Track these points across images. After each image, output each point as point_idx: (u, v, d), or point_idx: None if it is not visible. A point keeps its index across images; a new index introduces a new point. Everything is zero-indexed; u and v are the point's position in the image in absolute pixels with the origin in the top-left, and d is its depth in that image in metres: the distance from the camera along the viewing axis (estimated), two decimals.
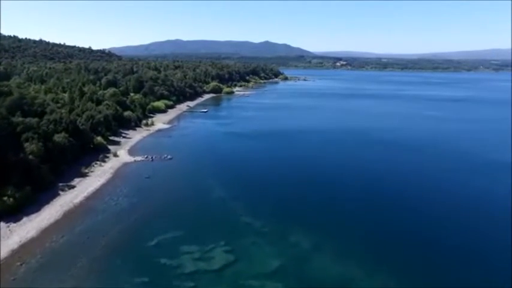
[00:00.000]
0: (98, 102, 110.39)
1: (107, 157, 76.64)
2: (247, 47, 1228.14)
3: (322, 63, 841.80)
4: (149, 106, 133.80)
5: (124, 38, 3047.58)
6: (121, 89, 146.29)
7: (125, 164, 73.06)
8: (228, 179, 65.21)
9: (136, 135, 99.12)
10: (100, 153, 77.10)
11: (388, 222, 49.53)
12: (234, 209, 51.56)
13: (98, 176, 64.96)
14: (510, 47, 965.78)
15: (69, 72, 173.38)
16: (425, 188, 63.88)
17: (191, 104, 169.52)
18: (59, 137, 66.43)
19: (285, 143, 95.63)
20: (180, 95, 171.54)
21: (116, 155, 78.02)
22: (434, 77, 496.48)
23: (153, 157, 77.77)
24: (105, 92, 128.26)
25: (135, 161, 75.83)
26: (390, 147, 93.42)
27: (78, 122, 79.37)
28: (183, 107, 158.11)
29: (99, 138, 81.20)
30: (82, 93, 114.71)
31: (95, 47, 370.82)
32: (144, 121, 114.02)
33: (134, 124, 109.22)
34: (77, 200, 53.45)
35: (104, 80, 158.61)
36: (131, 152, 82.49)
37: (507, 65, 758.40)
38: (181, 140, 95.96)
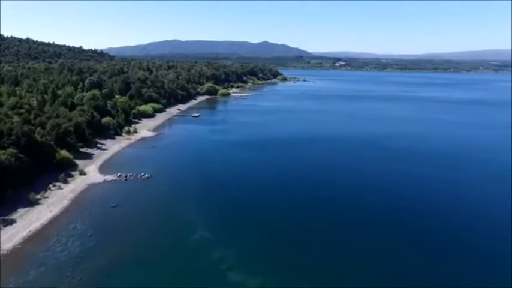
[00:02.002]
0: (73, 107, 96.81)
1: (71, 176, 62.95)
2: (245, 47, 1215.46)
3: (321, 63, 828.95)
4: (134, 110, 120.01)
5: (122, 38, 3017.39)
6: (104, 91, 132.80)
7: (91, 186, 59.32)
8: (217, 209, 51.52)
9: (114, 146, 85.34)
10: (64, 170, 63.50)
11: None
12: (221, 260, 37.91)
13: (52, 204, 51.20)
14: (510, 48, 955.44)
15: (50, 72, 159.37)
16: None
17: (183, 107, 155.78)
18: (3, 154, 52.69)
19: (289, 155, 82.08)
20: (171, 98, 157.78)
21: (82, 173, 64.27)
22: (437, 78, 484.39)
23: (128, 176, 64.00)
24: (84, 94, 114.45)
25: (104, 181, 62.07)
26: (413, 158, 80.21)
27: (36, 132, 65.57)
28: (173, 110, 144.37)
29: (63, 152, 67.30)
30: (55, 97, 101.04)
31: (94, 48, 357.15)
32: (126, 128, 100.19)
33: (113, 132, 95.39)
34: (9, 245, 39.69)
35: (87, 82, 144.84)
36: (103, 168, 68.73)
37: (507, 66, 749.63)
38: (165, 152, 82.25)
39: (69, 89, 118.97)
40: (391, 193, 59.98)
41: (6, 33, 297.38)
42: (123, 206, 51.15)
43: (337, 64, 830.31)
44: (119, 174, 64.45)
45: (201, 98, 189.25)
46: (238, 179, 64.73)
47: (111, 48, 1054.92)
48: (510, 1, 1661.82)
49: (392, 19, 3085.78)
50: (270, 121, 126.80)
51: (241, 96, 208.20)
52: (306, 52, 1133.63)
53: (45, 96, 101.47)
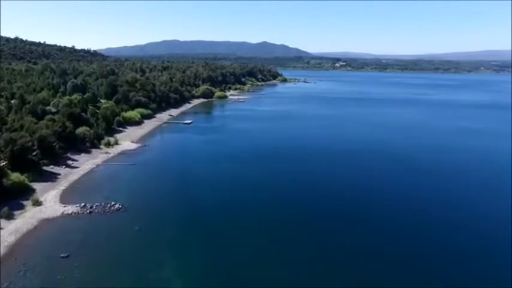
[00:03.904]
0: (44, 116, 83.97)
1: (22, 207, 50.08)
2: (244, 47, 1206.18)
3: (321, 64, 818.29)
4: (118, 118, 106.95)
5: (121, 39, 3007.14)
6: (87, 95, 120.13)
7: (44, 223, 46.40)
8: (202, 262, 38.57)
9: (87, 162, 72.42)
10: (13, 200, 50.73)
11: None
12: None
13: None
14: (510, 48, 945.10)
15: (30, 74, 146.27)
16: None
17: (175, 112, 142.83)
18: None
19: (296, 174, 68.48)
20: (162, 102, 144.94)
21: (37, 203, 51.29)
22: (441, 79, 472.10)
23: (94, 207, 51.15)
24: (61, 100, 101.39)
25: (62, 214, 49.14)
26: (453, 181, 67.28)
27: None
28: (164, 116, 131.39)
29: (14, 175, 54.32)
30: (23, 103, 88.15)
31: (94, 48, 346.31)
32: (106, 139, 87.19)
33: (90, 145, 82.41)
34: None
35: (69, 84, 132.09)
36: (66, 195, 55.82)
37: (507, 66, 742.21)
38: (147, 171, 69.22)
39: (44, 93, 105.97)
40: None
41: None
42: (76, 257, 38.19)
43: (337, 64, 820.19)
44: (83, 204, 51.55)
45: (195, 102, 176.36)
46: (235, 213, 51.49)
47: (110, 49, 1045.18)
48: (510, 1, 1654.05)
49: (391, 19, 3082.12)
50: (272, 129, 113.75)
51: (239, 99, 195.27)
52: (305, 52, 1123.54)
53: (12, 102, 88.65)
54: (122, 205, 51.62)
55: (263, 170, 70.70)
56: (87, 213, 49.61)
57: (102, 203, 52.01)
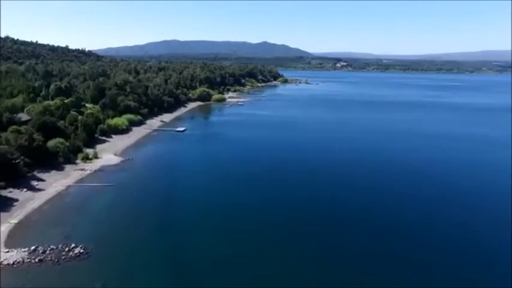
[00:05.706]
0: (9, 126, 72.23)
1: None
2: (244, 47, 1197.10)
3: (322, 64, 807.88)
4: (102, 125, 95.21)
5: (120, 38, 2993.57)
6: (69, 99, 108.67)
7: None
8: None
9: (55, 183, 60.63)
10: None
11: None
12: None
13: None
14: (510, 49, 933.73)
15: (11, 76, 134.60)
16: None
17: (168, 117, 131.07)
18: None
19: (308, 206, 56.30)
20: (154, 106, 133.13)
21: None
22: (446, 80, 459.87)
23: (48, 250, 39.56)
24: (35, 106, 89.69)
25: (0, 265, 37.36)
26: None
27: None
28: (155, 122, 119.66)
29: None
30: None
31: (93, 48, 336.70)
32: (85, 152, 75.57)
33: (64, 159, 70.67)
34: None
35: (52, 87, 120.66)
36: (16, 232, 44.10)
37: (509, 66, 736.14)
38: (126, 195, 57.08)
39: (19, 98, 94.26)
40: None
41: None
42: None
43: (338, 65, 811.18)
44: (33, 248, 39.92)
45: (192, 105, 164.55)
46: (234, 265, 39.86)
47: (110, 48, 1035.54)
48: (510, 1, 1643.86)
49: (392, 19, 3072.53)
50: (274, 139, 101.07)
51: (238, 102, 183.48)
52: (306, 52, 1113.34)
53: None
54: (85, 248, 40.00)
55: (266, 191, 58.85)
56: (36, 261, 37.86)
57: (60, 245, 40.44)
